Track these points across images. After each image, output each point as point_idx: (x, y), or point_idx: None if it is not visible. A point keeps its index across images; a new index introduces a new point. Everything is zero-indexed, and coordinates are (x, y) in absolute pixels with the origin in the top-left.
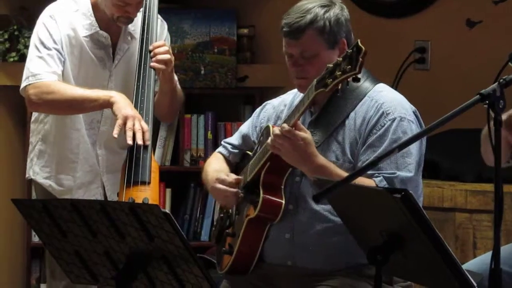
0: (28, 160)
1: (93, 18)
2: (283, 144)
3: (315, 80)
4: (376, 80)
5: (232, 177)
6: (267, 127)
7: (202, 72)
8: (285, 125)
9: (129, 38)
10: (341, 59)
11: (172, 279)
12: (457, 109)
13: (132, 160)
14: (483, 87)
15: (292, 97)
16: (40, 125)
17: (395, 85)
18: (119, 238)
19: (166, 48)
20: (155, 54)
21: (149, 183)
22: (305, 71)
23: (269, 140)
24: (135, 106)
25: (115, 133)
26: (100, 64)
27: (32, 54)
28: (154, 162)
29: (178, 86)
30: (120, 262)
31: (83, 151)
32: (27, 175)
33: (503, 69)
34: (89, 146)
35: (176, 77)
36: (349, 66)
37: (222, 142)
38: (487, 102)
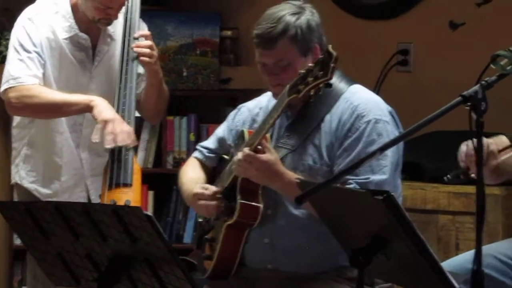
0: (13, 165)
1: (72, 20)
2: (248, 168)
3: (288, 86)
4: (351, 81)
5: (211, 190)
6: (242, 132)
7: (185, 74)
8: (246, 150)
9: (109, 39)
10: (313, 65)
11: (155, 282)
12: (439, 111)
13: (114, 162)
14: (466, 89)
15: (267, 99)
16: (25, 130)
17: (378, 87)
18: (102, 240)
19: (149, 40)
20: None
21: (131, 185)
22: (280, 79)
23: (233, 166)
24: (117, 108)
25: (95, 138)
26: (81, 67)
27: (12, 56)
28: (136, 164)
29: (164, 84)
30: (102, 264)
31: (67, 155)
32: (12, 181)
33: (485, 70)
34: (73, 149)
35: (161, 73)
36: (321, 72)
37: (198, 146)
38: (469, 104)
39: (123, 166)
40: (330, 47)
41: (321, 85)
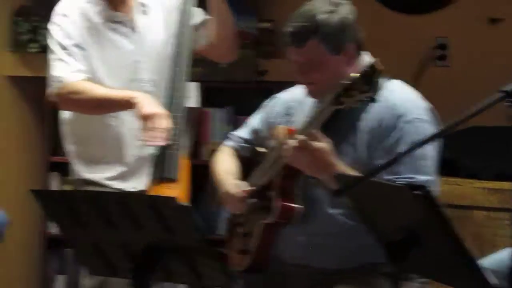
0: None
1: (103, 2)
2: (300, 156)
3: (330, 95)
4: (389, 77)
5: (242, 190)
6: (277, 129)
7: (223, 65)
8: (302, 136)
9: (145, 9)
10: (357, 76)
11: (190, 272)
12: (478, 107)
13: (160, 156)
14: (505, 84)
15: (303, 93)
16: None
17: (415, 82)
18: (138, 231)
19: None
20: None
21: (176, 180)
22: (312, 77)
23: (284, 152)
24: (167, 102)
25: (141, 135)
26: (126, 40)
27: (52, 58)
28: (184, 159)
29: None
30: (138, 254)
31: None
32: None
33: None
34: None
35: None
36: (366, 86)
37: (230, 135)
38: (510, 99)
39: (170, 161)
40: (376, 61)
41: (364, 99)
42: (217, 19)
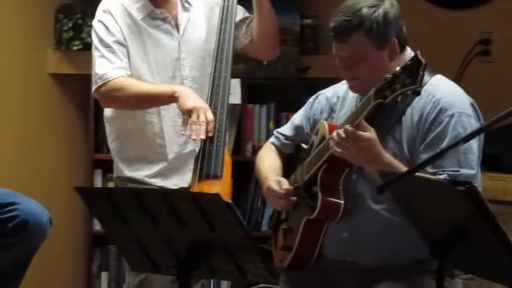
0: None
1: None
2: (348, 146)
3: (373, 89)
4: (432, 71)
5: (285, 187)
6: (321, 124)
7: (265, 62)
8: (348, 127)
9: (187, 5)
10: (400, 70)
11: (234, 269)
12: None
13: (204, 152)
14: None
15: (345, 88)
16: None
17: (459, 77)
18: (181, 227)
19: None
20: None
21: (221, 177)
22: (355, 72)
23: (331, 143)
24: (210, 98)
25: (183, 130)
26: (168, 37)
27: (94, 55)
28: (227, 155)
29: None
30: (181, 251)
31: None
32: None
33: None
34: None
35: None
36: (409, 79)
37: (275, 132)
38: None
39: (213, 157)
40: (419, 54)
41: (408, 92)
42: (259, 17)
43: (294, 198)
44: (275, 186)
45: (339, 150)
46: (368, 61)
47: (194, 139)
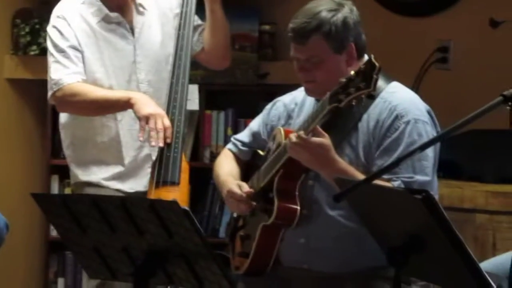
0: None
1: (99, 3)
2: (301, 151)
3: (328, 94)
4: (389, 78)
5: (244, 189)
6: (277, 130)
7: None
8: (302, 133)
9: (141, 9)
10: (354, 74)
11: (191, 276)
12: (479, 111)
13: (162, 159)
14: (506, 88)
15: (303, 95)
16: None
17: (416, 85)
18: (138, 235)
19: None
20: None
21: (178, 184)
22: (312, 75)
23: (287, 147)
24: (168, 104)
25: (140, 136)
26: (123, 41)
27: (49, 61)
28: (185, 162)
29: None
30: (138, 258)
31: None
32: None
33: None
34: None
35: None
36: (364, 83)
37: (232, 139)
38: (510, 103)
39: (171, 164)
40: (373, 58)
41: (363, 96)
42: (212, 26)
43: (254, 202)
44: (236, 189)
45: (293, 153)
46: (325, 64)
47: (153, 146)
